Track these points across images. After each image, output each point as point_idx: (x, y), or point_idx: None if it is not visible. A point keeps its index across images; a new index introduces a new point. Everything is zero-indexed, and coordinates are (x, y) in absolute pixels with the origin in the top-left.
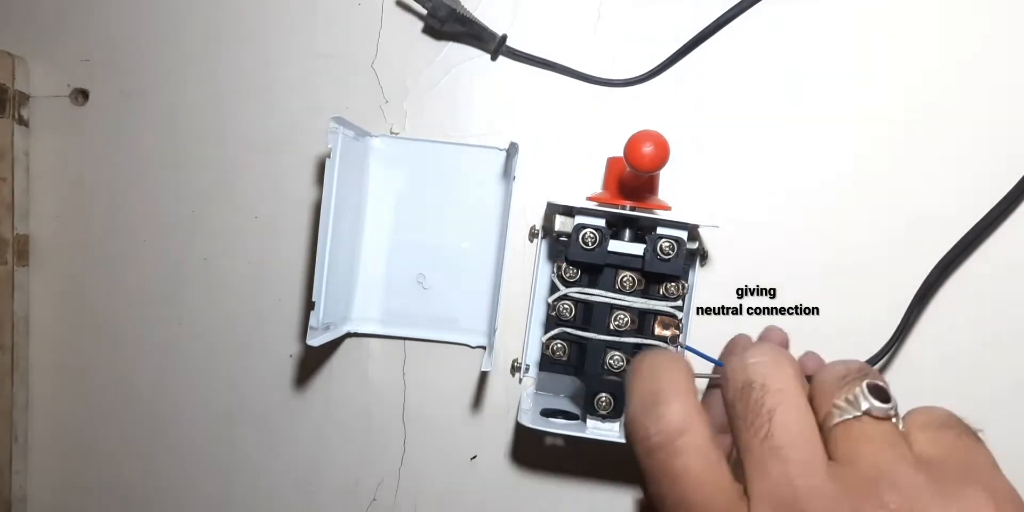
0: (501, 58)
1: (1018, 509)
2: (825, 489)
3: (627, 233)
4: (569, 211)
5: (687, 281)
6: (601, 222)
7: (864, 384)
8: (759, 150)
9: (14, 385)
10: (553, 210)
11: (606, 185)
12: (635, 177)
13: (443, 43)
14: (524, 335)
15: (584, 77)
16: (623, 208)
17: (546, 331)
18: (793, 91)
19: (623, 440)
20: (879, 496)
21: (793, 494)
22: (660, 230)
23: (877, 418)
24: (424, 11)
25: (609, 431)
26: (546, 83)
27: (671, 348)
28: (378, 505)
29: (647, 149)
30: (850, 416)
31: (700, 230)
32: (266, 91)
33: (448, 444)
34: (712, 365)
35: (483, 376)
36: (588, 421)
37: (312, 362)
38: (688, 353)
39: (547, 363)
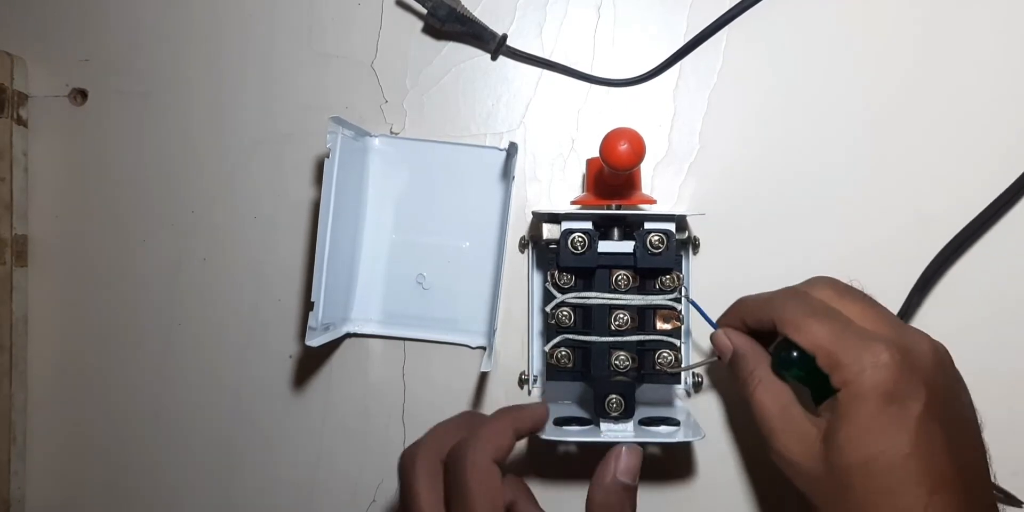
0: (501, 58)
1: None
2: None
3: (615, 232)
4: (555, 218)
5: (681, 272)
6: (588, 225)
7: None
8: (759, 149)
9: (12, 386)
10: (539, 219)
11: (588, 186)
12: (615, 175)
13: (443, 43)
14: (527, 347)
15: (584, 77)
16: (608, 208)
17: (548, 340)
18: (793, 89)
19: (637, 440)
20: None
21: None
22: (648, 225)
23: None
24: (424, 11)
25: (623, 432)
26: (546, 83)
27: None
28: (378, 506)
29: (623, 147)
30: None
31: (689, 220)
32: (265, 91)
33: None
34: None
35: (483, 377)
36: (601, 424)
37: (311, 363)
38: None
39: (553, 372)
